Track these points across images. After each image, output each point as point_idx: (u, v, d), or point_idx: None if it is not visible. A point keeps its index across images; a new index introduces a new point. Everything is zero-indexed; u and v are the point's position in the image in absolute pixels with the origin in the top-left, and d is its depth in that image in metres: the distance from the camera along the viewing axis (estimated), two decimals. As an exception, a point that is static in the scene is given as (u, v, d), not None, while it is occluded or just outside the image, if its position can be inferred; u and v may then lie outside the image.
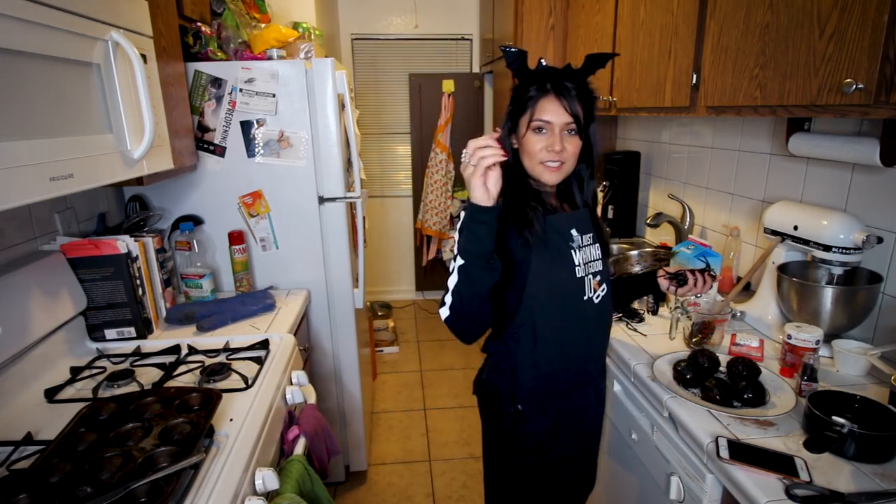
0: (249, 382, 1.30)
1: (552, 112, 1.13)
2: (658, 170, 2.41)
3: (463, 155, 1.06)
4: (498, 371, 1.25)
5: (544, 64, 1.18)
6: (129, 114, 1.21)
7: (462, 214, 1.08)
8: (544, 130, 1.14)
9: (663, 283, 1.37)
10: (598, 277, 1.24)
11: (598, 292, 1.24)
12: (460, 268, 1.08)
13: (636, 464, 1.40)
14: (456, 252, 1.09)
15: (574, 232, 1.21)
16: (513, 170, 1.19)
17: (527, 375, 1.21)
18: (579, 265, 1.21)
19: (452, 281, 1.11)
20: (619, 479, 1.52)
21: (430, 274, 4.48)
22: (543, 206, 1.19)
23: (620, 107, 1.97)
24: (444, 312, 1.14)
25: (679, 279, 1.34)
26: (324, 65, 1.88)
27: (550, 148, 1.13)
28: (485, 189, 1.02)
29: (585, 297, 1.22)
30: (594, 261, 1.23)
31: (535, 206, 1.16)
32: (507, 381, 1.23)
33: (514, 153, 1.19)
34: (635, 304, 1.67)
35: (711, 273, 1.35)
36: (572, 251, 1.20)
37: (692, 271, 1.34)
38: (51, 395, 1.26)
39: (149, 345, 1.55)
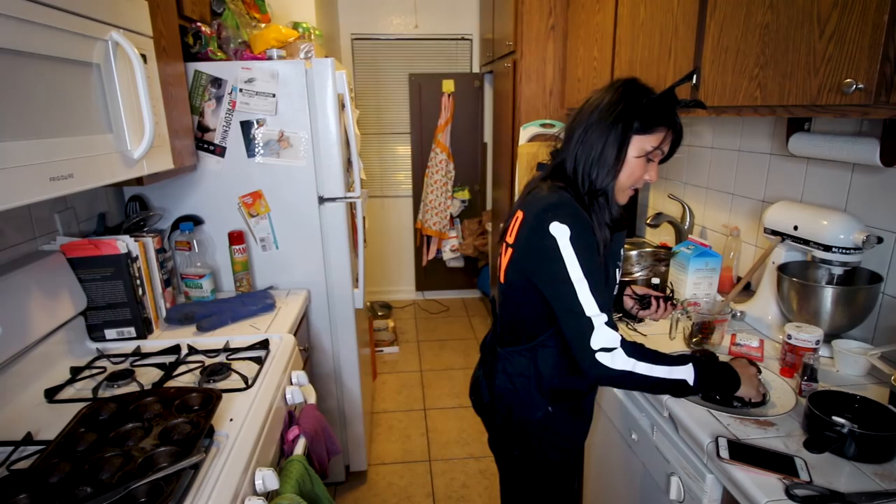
0: (249, 382, 1.30)
1: (668, 144, 1.13)
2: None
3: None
4: (521, 377, 1.22)
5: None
6: (129, 114, 1.21)
7: (719, 374, 1.11)
8: (654, 160, 1.13)
9: (628, 301, 1.42)
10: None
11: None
12: (681, 384, 1.06)
13: (636, 464, 1.40)
14: (695, 382, 1.06)
15: (621, 251, 1.25)
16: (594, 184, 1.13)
17: (557, 379, 1.20)
18: (616, 283, 1.25)
19: (658, 374, 1.05)
20: (619, 480, 1.52)
21: (430, 274, 4.48)
22: (611, 223, 1.16)
23: (620, 107, 1.96)
24: (627, 365, 1.04)
25: (642, 302, 1.40)
26: (324, 65, 1.88)
27: (650, 179, 1.14)
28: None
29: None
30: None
31: (605, 227, 1.13)
32: (534, 385, 1.21)
33: (609, 168, 1.11)
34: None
35: (673, 302, 1.41)
36: (617, 270, 1.23)
37: (656, 297, 1.39)
38: (51, 395, 1.26)
39: (149, 345, 1.55)
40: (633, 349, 1.05)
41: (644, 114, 1.08)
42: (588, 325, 1.04)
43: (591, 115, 1.12)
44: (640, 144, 1.10)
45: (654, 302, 1.38)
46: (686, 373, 1.06)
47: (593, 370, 1.04)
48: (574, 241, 1.05)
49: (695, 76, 1.47)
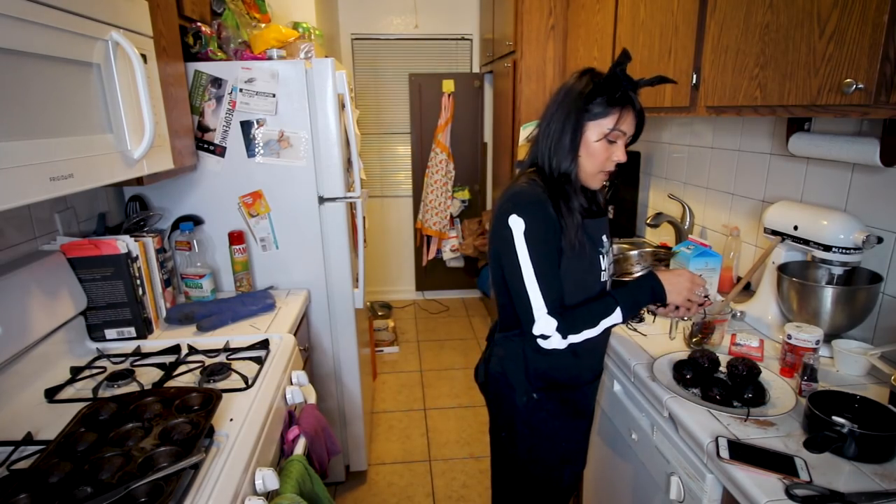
0: (249, 382, 1.30)
1: (629, 125, 1.15)
2: (658, 170, 2.41)
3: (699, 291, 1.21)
4: (510, 360, 1.28)
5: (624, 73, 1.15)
6: (129, 114, 1.21)
7: (635, 297, 1.19)
8: (616, 142, 1.15)
9: None
10: (610, 280, 1.30)
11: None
12: (614, 326, 1.19)
13: (636, 464, 1.40)
14: (624, 317, 1.17)
15: (604, 238, 1.26)
16: (558, 171, 1.18)
17: (541, 366, 1.25)
18: (604, 270, 1.26)
19: (594, 333, 1.17)
20: (619, 479, 1.52)
21: (430, 274, 4.48)
22: (582, 209, 1.19)
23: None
24: (563, 345, 1.16)
25: None
26: (324, 65, 1.88)
27: (618, 159, 1.17)
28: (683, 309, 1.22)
29: None
30: (610, 265, 1.29)
31: (576, 212, 1.16)
32: (521, 370, 1.26)
33: (566, 152, 1.16)
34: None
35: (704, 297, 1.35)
36: (601, 256, 1.24)
37: None
38: (51, 394, 1.26)
39: (149, 345, 1.55)
40: (566, 327, 1.15)
41: (595, 98, 1.13)
42: (530, 315, 1.15)
43: (552, 106, 1.19)
44: (597, 128, 1.14)
45: None
46: (615, 317, 1.17)
47: (540, 350, 1.18)
48: (527, 233, 1.12)
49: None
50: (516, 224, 1.12)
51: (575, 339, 1.15)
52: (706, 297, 1.24)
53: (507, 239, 1.14)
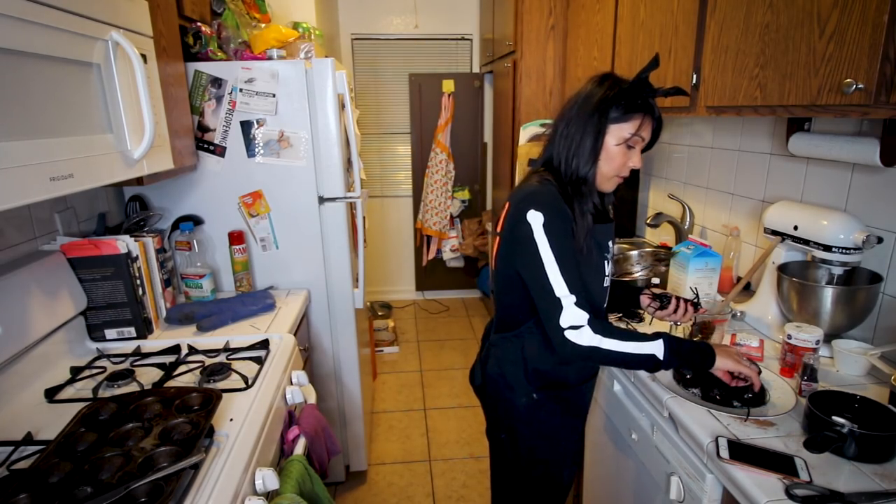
0: (249, 382, 1.30)
1: (648, 131, 1.16)
2: (658, 170, 2.41)
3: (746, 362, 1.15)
4: (508, 361, 1.27)
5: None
6: (129, 114, 1.21)
7: (690, 350, 1.13)
8: (634, 147, 1.16)
9: (644, 300, 1.40)
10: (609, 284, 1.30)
11: (607, 298, 1.31)
12: (651, 358, 1.11)
13: (636, 464, 1.40)
14: (665, 356, 1.11)
15: (610, 243, 1.26)
16: (575, 172, 1.18)
17: (541, 366, 1.24)
18: (608, 276, 1.26)
19: (625, 349, 1.10)
20: (619, 479, 1.52)
21: (430, 274, 4.48)
22: (594, 211, 1.19)
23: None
24: (592, 341, 1.10)
25: (662, 301, 1.36)
26: (324, 65, 1.88)
27: (634, 165, 1.17)
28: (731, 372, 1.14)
29: (605, 304, 1.29)
30: (611, 269, 1.29)
31: (588, 214, 1.16)
32: (521, 371, 1.26)
33: (587, 156, 1.16)
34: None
35: (695, 303, 1.37)
36: (605, 262, 1.24)
37: (678, 298, 1.36)
38: (51, 395, 1.26)
39: (149, 345, 1.55)
40: (601, 327, 1.11)
41: (618, 102, 1.13)
42: (557, 305, 1.11)
43: (571, 109, 1.19)
44: (618, 133, 1.14)
45: (674, 301, 1.35)
46: (655, 348, 1.11)
47: (563, 347, 1.11)
48: (547, 227, 1.11)
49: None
50: (535, 218, 1.11)
51: (607, 343, 1.09)
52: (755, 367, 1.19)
53: (524, 235, 1.12)
